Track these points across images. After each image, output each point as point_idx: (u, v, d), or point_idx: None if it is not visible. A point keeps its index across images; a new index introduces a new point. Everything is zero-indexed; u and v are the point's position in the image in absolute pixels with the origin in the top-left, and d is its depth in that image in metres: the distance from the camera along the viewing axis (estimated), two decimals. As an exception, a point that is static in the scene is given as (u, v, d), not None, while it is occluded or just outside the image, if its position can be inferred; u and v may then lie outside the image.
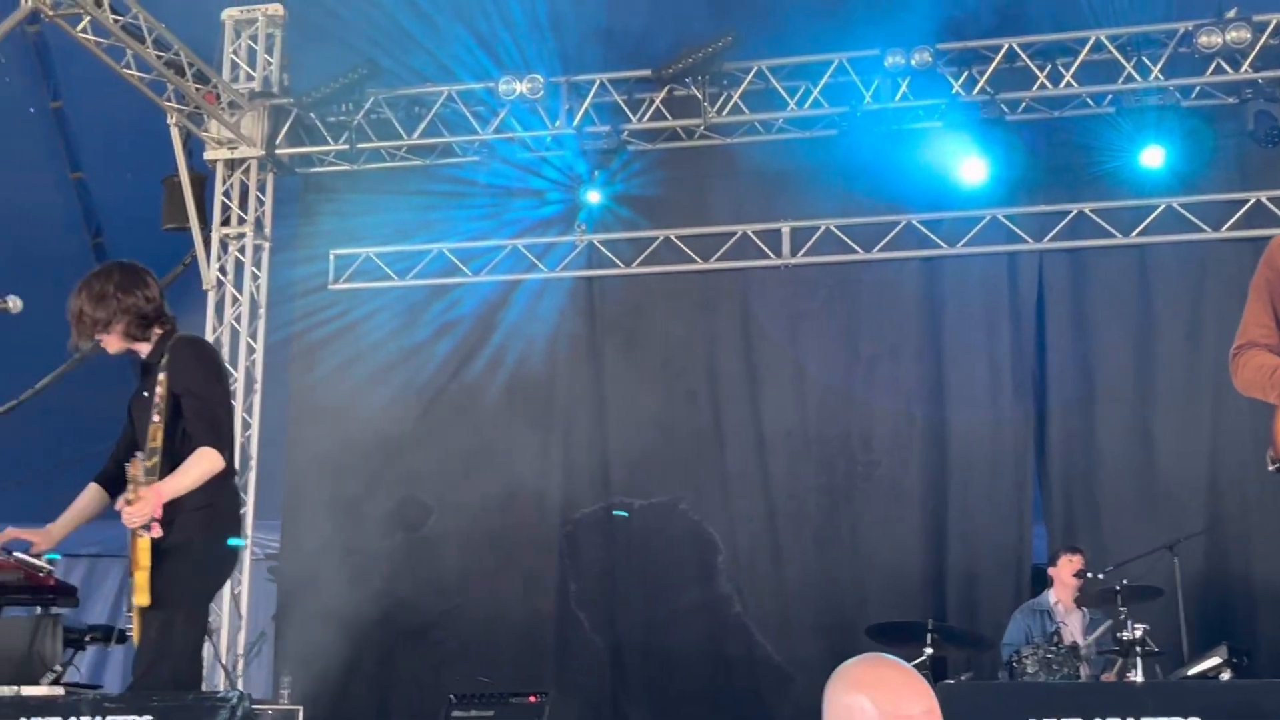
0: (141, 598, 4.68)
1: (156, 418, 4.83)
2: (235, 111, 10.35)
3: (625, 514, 9.93)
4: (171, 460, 4.78)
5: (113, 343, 5.04)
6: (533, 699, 7.99)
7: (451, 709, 8.08)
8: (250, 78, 10.50)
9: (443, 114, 10.39)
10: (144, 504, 4.60)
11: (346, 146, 10.39)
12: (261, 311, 10.48)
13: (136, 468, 4.69)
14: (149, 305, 5.04)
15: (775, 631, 9.58)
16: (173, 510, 4.71)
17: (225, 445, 4.93)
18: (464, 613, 9.86)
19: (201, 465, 4.78)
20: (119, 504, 4.71)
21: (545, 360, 10.22)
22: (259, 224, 10.60)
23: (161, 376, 4.87)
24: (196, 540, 4.84)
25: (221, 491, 4.97)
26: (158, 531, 4.65)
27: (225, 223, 10.53)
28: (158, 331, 5.06)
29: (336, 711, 9.67)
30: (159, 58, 9.38)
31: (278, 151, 10.52)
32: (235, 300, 10.42)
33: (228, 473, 4.95)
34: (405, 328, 10.42)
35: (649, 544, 9.91)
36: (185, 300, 10.36)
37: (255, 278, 10.52)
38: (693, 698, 9.55)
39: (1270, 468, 4.20)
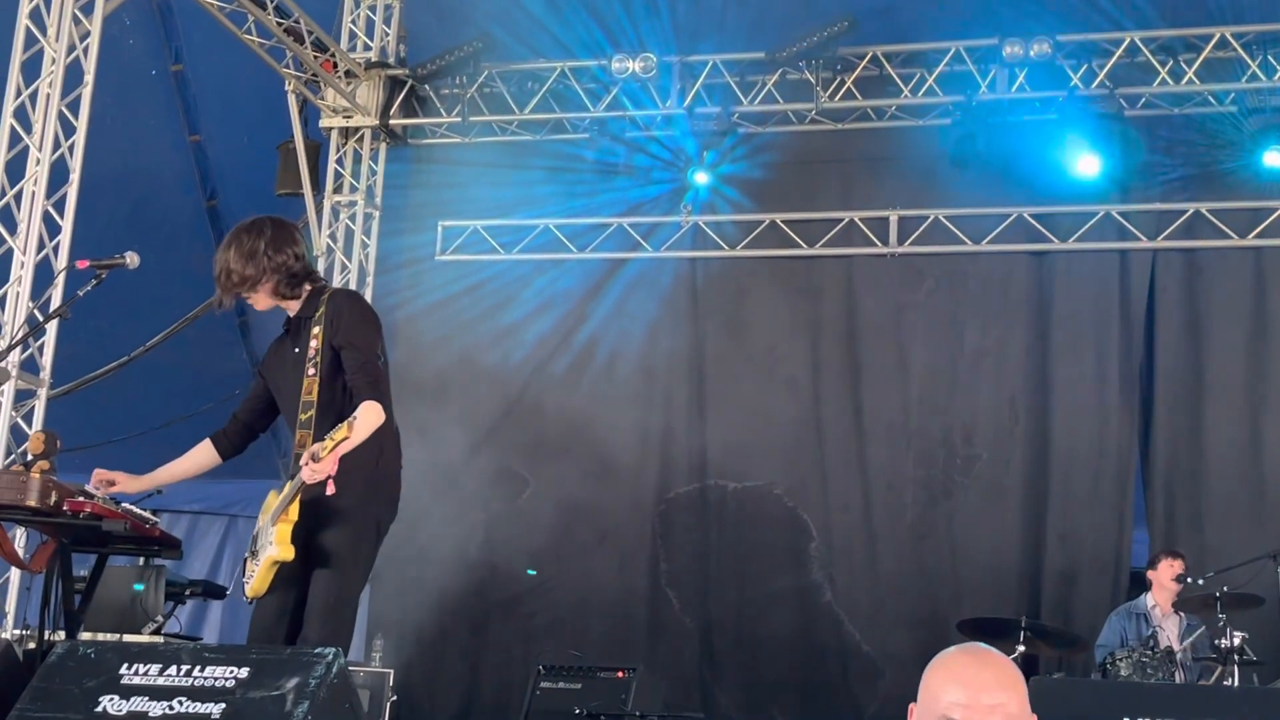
0: (285, 551, 4.63)
1: (312, 371, 4.81)
2: (351, 80, 10.58)
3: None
4: (335, 415, 4.69)
5: (261, 300, 4.98)
6: (620, 674, 8.10)
7: (540, 679, 8.22)
8: (367, 47, 10.73)
9: (555, 90, 10.53)
10: (326, 463, 4.47)
11: (459, 119, 10.57)
12: (369, 280, 10.72)
13: (307, 441, 4.68)
14: (298, 263, 4.99)
15: (866, 622, 9.63)
16: (341, 467, 4.56)
17: (387, 398, 4.83)
18: (556, 586, 10.04)
19: (369, 419, 4.62)
20: (303, 459, 4.59)
21: (646, 340, 10.33)
22: (370, 193, 10.84)
23: (316, 330, 4.83)
24: (365, 501, 4.82)
25: (384, 449, 4.90)
26: (333, 489, 4.57)
27: (337, 190, 10.78)
28: (307, 288, 5.01)
29: (428, 676, 9.90)
30: (279, 24, 9.60)
31: (391, 122, 10.74)
32: (344, 267, 10.65)
33: (391, 427, 4.89)
34: (509, 302, 10.58)
35: (742, 527, 10.01)
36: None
37: (364, 246, 10.76)
38: (780, 683, 9.64)
39: None
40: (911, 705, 2.69)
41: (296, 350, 4.94)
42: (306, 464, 4.53)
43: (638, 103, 10.30)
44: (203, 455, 5.28)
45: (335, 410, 4.76)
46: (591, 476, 10.10)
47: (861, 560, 9.80)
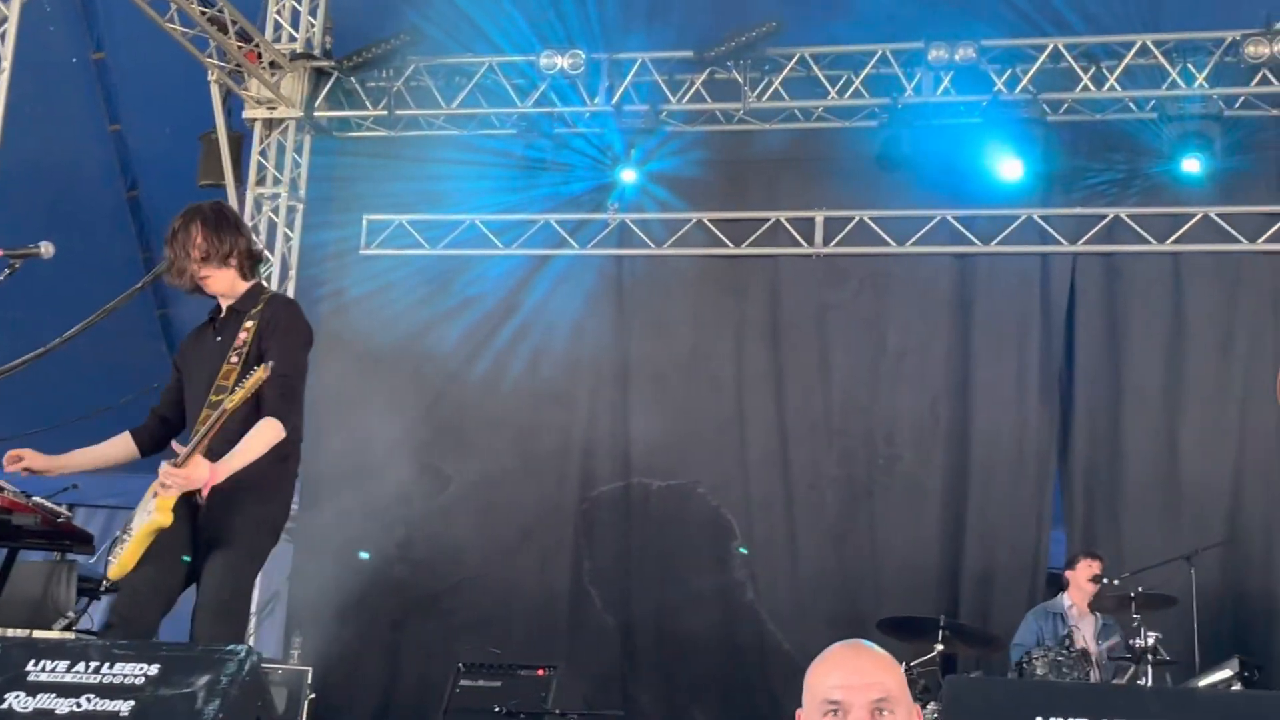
0: (165, 516, 4.58)
1: (235, 359, 4.79)
2: (276, 72, 10.50)
3: (366, 555, 10.01)
4: (241, 409, 4.65)
5: (221, 280, 4.95)
6: (541, 672, 8.11)
7: (460, 677, 8.21)
8: (292, 38, 10.66)
9: (482, 85, 10.53)
10: (189, 479, 4.53)
11: (385, 112, 10.55)
12: (292, 273, 10.65)
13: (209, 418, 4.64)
14: (256, 247, 5.08)
15: (787, 620, 9.70)
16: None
17: (296, 417, 4.87)
18: (478, 583, 10.03)
19: (265, 436, 4.70)
20: (164, 465, 4.60)
21: (571, 337, 10.35)
22: (294, 185, 10.77)
23: (250, 325, 4.84)
24: (263, 502, 4.84)
25: (287, 455, 4.92)
26: (203, 498, 4.65)
27: (260, 182, 10.70)
28: (252, 279, 5.04)
29: (346, 674, 9.84)
30: (203, 13, 9.52)
31: (316, 114, 10.70)
32: (266, 261, 10.54)
33: (296, 436, 4.89)
34: (433, 296, 10.56)
35: (665, 526, 10.06)
36: (216, 258, 10.49)
37: (287, 239, 10.68)
38: (701, 682, 9.70)
39: None
40: (798, 711, 2.74)
41: (219, 339, 4.93)
42: (165, 469, 4.55)
43: (566, 99, 10.32)
44: (119, 447, 5.21)
45: (242, 405, 4.69)
46: (514, 474, 10.10)
47: (783, 559, 9.88)
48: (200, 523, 4.73)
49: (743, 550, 9.87)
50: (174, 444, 4.77)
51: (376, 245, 10.79)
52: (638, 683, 9.82)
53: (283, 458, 4.85)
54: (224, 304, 5.01)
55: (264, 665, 7.10)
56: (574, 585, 10.02)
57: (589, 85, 10.24)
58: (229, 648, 4.00)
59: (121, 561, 4.67)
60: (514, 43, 10.17)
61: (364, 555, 9.93)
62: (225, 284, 4.97)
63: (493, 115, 10.58)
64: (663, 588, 9.92)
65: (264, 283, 5.17)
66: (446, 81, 10.62)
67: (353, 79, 10.63)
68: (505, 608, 9.90)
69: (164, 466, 4.59)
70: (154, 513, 4.59)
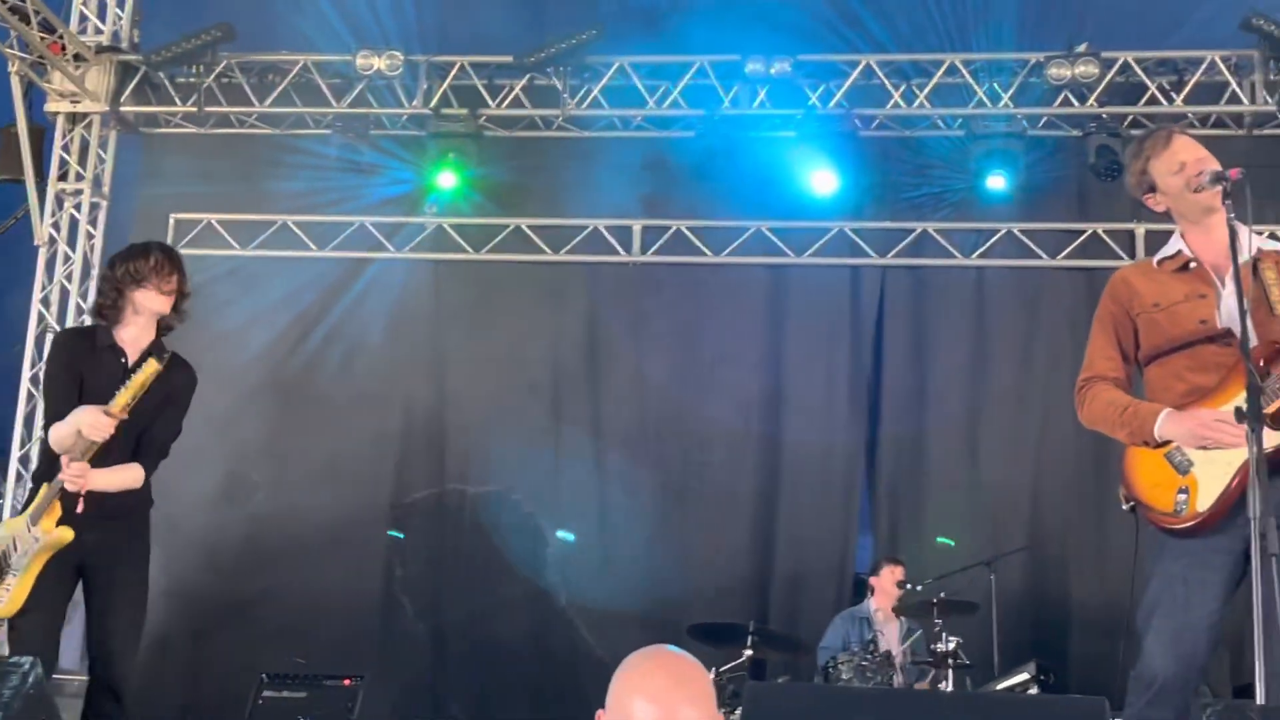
0: (68, 532, 4.93)
1: (127, 393, 4.94)
2: (80, 64, 10.21)
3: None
4: (119, 444, 5.03)
5: (176, 320, 5.47)
6: (347, 682, 7.98)
7: (262, 688, 8.04)
8: (99, 30, 10.41)
9: (297, 83, 10.41)
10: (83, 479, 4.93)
11: (195, 109, 10.34)
12: (94, 271, 10.33)
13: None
14: None
15: (599, 626, 9.74)
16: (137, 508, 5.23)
17: (152, 473, 5.26)
18: (286, 592, 9.83)
19: (127, 480, 5.12)
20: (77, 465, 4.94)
21: (386, 341, 10.27)
22: (97, 181, 10.48)
23: (157, 367, 5.00)
24: (146, 537, 5.34)
25: (151, 499, 5.39)
26: (82, 507, 4.96)
27: (63, 178, 10.40)
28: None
29: (146, 685, 9.48)
30: (3, 3, 9.19)
31: (122, 109, 10.43)
32: (67, 258, 10.27)
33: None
34: (243, 299, 10.36)
35: (479, 532, 10.00)
36: (14, 255, 10.17)
37: (90, 236, 10.39)
38: (513, 689, 9.68)
39: (1124, 506, 4.33)
40: (600, 712, 2.73)
41: (123, 368, 5.16)
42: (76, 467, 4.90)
43: (383, 101, 10.25)
44: None
45: (126, 440, 5.08)
46: (326, 480, 9.96)
47: (596, 565, 9.92)
48: (91, 545, 5.00)
49: (566, 536, 9.91)
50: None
51: (184, 245, 10.48)
52: (448, 690, 9.76)
53: (149, 500, 5.34)
54: (138, 341, 5.27)
55: (59, 677, 6.90)
56: (385, 593, 9.92)
57: (407, 87, 10.18)
58: (12, 660, 3.93)
59: (13, 599, 4.87)
60: (329, 42, 10.06)
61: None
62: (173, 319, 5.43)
63: (307, 115, 10.45)
64: (475, 594, 9.88)
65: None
66: (260, 79, 10.47)
67: (161, 74, 10.38)
68: (314, 617, 9.72)
69: (74, 468, 4.91)
70: (54, 532, 4.87)
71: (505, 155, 10.44)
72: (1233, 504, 4.01)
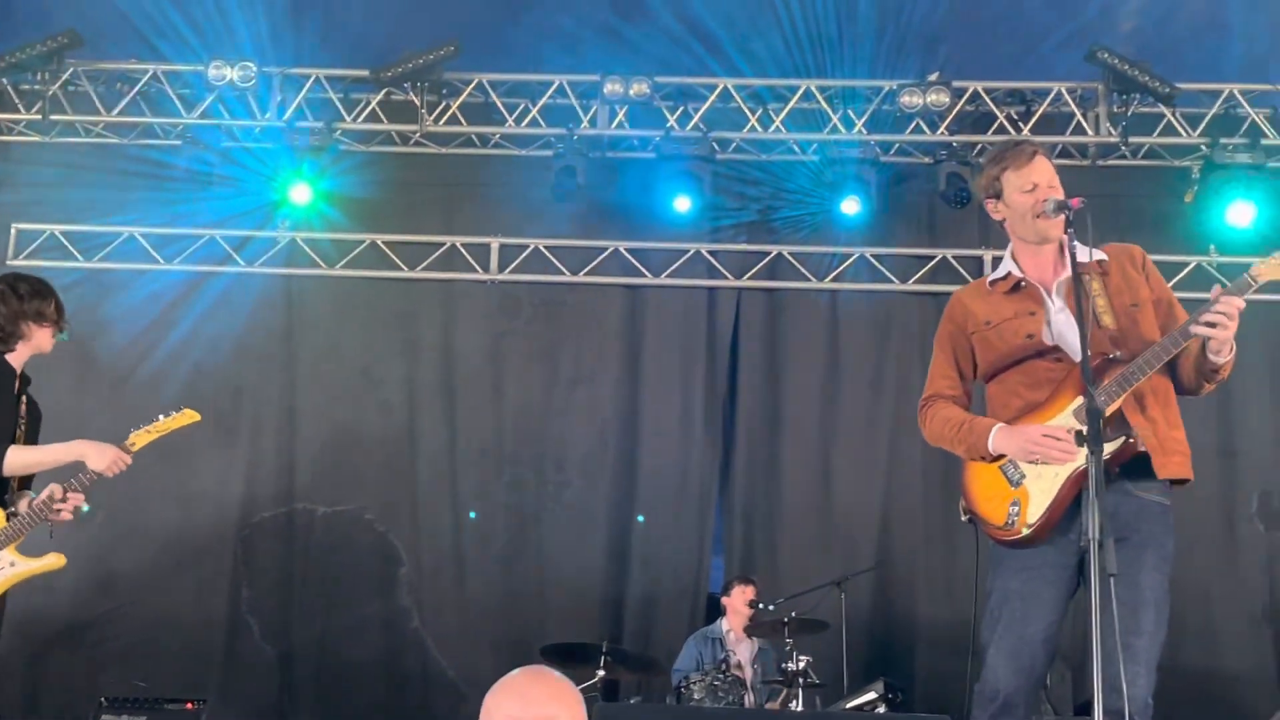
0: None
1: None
2: (-83, 68, 9.85)
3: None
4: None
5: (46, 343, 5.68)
6: (190, 705, 7.84)
7: (101, 712, 7.85)
8: (-63, 34, 10.01)
9: (146, 93, 10.21)
10: None
11: (39, 116, 10.06)
12: (-68, 282, 9.95)
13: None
14: None
15: (452, 647, 9.68)
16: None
17: None
18: (129, 614, 9.59)
19: None
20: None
21: (235, 357, 10.11)
22: (-68, 189, 10.12)
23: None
24: None
25: None
26: None
27: (-106, 185, 10.01)
28: None
29: (-22, 712, 9.25)
30: None
31: (-38, 115, 10.08)
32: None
33: None
34: (88, 313, 10.02)
35: (331, 552, 9.88)
36: None
37: (-76, 246, 10.02)
38: (363, 711, 9.56)
39: (963, 518, 4.44)
40: None
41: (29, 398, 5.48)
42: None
43: (235, 112, 10.09)
44: None
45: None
46: (171, 499, 9.75)
47: (450, 586, 9.86)
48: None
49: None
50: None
51: (25, 256, 10.25)
52: (296, 714, 9.59)
53: None
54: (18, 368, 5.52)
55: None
56: (231, 614, 9.72)
57: (260, 99, 10.03)
58: None
59: None
60: (180, 52, 9.86)
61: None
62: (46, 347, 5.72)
63: (157, 125, 10.24)
64: (326, 616, 9.74)
65: None
66: (108, 88, 10.24)
67: (5, 80, 10.09)
68: (157, 639, 9.50)
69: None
70: (45, 558, 5.45)
71: (361, 170, 10.33)
72: (1060, 516, 4.14)
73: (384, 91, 10.13)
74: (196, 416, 5.25)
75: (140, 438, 5.09)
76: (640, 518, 9.94)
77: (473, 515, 9.97)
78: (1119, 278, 4.42)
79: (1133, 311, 4.35)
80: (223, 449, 9.95)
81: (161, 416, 5.31)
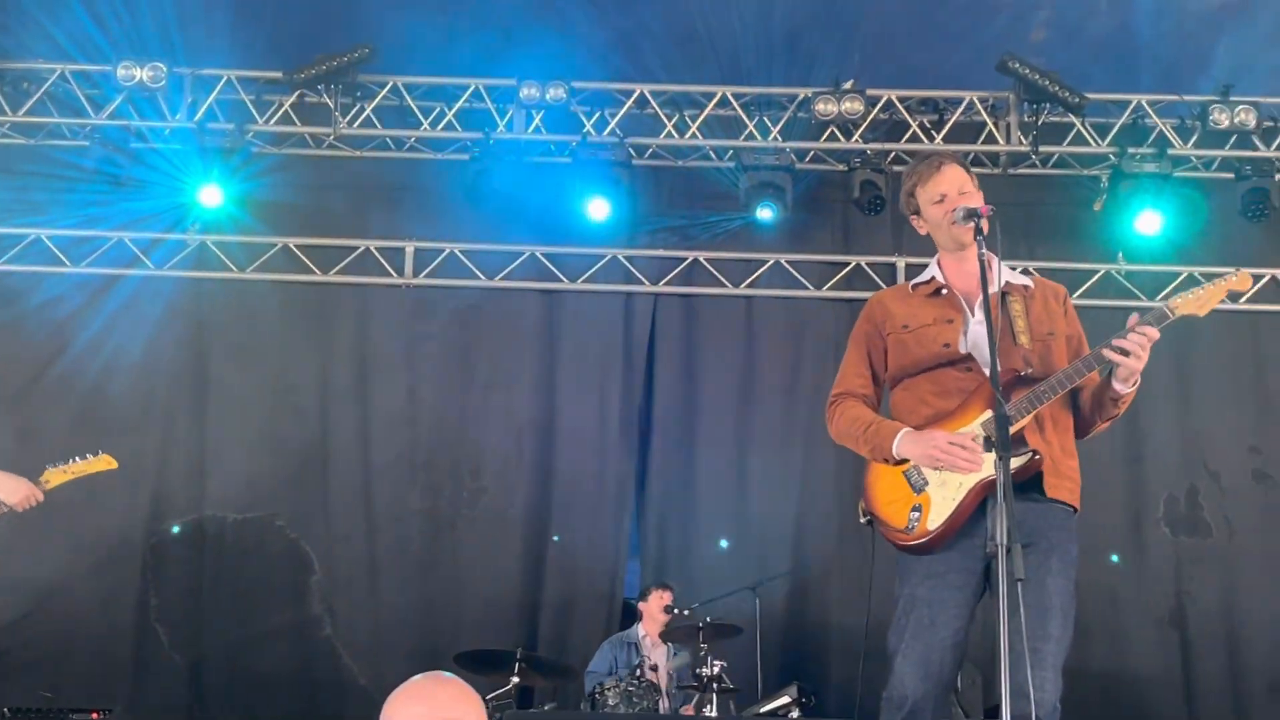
0: None
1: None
2: None
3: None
4: None
5: None
6: (96, 716, 7.70)
7: (3, 723, 7.69)
8: None
9: (53, 92, 10.03)
10: None
11: (-60, 116, 9.83)
12: None
13: None
14: None
15: (365, 655, 9.60)
16: None
17: None
18: (32, 622, 9.39)
19: None
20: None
21: (144, 362, 9.97)
22: None
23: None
24: None
25: None
26: None
27: None
28: None
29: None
30: None
31: None
32: None
33: None
34: (-8, 314, 9.90)
35: (242, 560, 9.77)
36: None
37: None
38: (274, 720, 9.42)
39: (861, 520, 4.48)
40: None
41: None
42: None
43: (144, 113, 9.95)
44: None
45: None
46: (77, 506, 9.48)
47: (363, 593, 9.77)
48: None
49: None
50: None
51: (-73, 258, 10.05)
52: (206, 723, 9.48)
53: None
54: None
55: None
56: (140, 623, 9.57)
57: (170, 100, 9.89)
58: None
59: None
60: (87, 51, 9.69)
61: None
62: None
63: (64, 125, 10.07)
64: (236, 624, 9.62)
65: None
66: (14, 87, 10.06)
67: (-96, 79, 9.89)
68: (63, 648, 9.34)
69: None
70: None
71: (273, 173, 10.21)
72: (961, 525, 4.19)
73: (297, 93, 10.03)
74: (114, 464, 5.13)
75: (55, 476, 4.99)
76: (556, 537, 9.92)
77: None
78: (1041, 307, 4.50)
79: (1048, 339, 4.42)
80: (131, 455, 9.74)
81: (78, 458, 5.18)
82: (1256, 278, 9.90)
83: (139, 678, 9.46)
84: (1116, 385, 4.24)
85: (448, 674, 2.88)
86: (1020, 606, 3.67)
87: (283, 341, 10.20)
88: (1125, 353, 4.14)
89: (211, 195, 9.85)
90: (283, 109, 10.10)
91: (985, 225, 4.26)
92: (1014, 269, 4.62)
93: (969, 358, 4.35)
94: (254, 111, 10.07)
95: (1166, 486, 9.92)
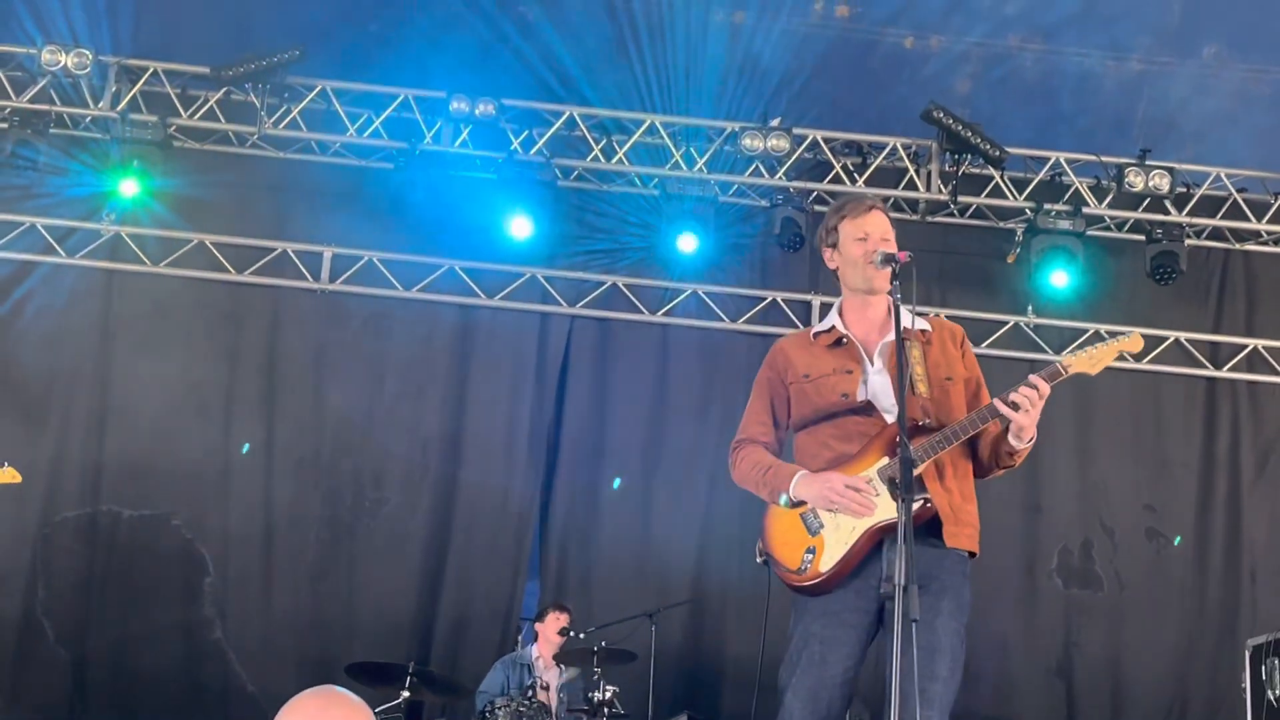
0: None
1: None
2: None
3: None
4: None
5: None
6: (-25, 706, 7.56)
7: (-120, 712, 7.53)
8: None
9: (-29, 73, 9.85)
10: None
11: None
12: None
13: None
14: None
15: (255, 661, 9.52)
16: None
17: None
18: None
19: None
20: None
21: (46, 351, 9.85)
22: None
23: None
24: None
25: None
26: None
27: None
28: None
29: None
30: None
31: None
32: None
33: None
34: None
35: (134, 557, 9.66)
36: None
37: None
38: (156, 720, 9.30)
39: (758, 559, 4.52)
40: None
41: None
42: None
43: (67, 99, 9.83)
44: None
45: None
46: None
47: (256, 598, 9.69)
48: None
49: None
50: None
51: None
52: (88, 719, 9.31)
53: None
54: None
55: None
56: (25, 615, 9.42)
57: (94, 88, 9.78)
58: None
59: None
60: (12, 33, 9.56)
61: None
62: None
63: (-19, 108, 9.94)
64: (125, 621, 9.50)
65: None
66: (-69, 66, 9.89)
67: None
68: (-56, 640, 9.17)
69: None
70: None
71: (194, 168, 10.15)
72: (853, 568, 4.25)
73: (224, 90, 9.97)
74: (18, 478, 4.94)
75: None
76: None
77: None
78: (938, 351, 4.56)
79: (946, 385, 4.49)
80: (28, 443, 9.63)
81: None
82: (1160, 340, 10.15)
83: (21, 670, 9.31)
84: (1011, 440, 4.33)
85: (340, 689, 2.86)
86: (913, 646, 3.72)
87: (191, 338, 10.10)
88: (1016, 406, 4.22)
89: (129, 187, 9.77)
90: (208, 105, 10.03)
91: (900, 270, 4.31)
92: (924, 315, 4.69)
93: (869, 405, 4.41)
94: (179, 105, 10.00)
95: (1062, 538, 10.11)
